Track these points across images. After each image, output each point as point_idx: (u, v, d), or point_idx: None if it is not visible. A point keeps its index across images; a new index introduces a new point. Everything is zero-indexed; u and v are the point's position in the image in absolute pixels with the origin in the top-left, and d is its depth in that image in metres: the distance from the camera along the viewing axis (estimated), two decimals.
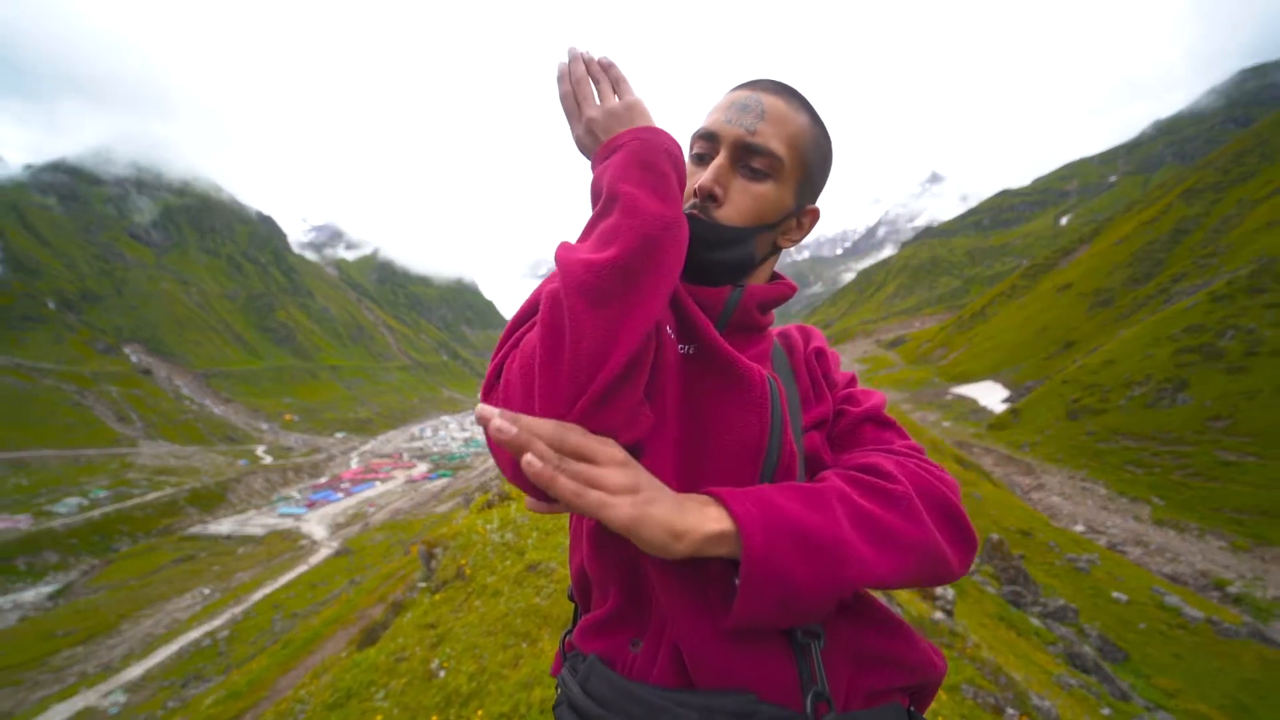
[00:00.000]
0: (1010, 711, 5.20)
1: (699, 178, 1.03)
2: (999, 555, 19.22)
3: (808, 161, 1.07)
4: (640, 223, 0.80)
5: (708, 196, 1.01)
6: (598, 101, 0.97)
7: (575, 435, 0.78)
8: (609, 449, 0.80)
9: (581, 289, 0.76)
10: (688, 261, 0.91)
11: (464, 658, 5.02)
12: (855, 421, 1.11)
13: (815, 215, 1.14)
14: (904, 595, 8.16)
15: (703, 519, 0.82)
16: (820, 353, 1.19)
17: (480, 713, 4.14)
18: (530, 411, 0.80)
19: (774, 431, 0.96)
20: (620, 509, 0.77)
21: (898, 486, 0.91)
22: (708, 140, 1.06)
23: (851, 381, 1.20)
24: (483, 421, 0.77)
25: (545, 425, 0.77)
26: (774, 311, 1.15)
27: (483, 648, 5.12)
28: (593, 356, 0.77)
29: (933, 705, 4.68)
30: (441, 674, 4.88)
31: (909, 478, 0.94)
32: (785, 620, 0.85)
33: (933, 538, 0.88)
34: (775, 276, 1.16)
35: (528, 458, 0.74)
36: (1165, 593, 21.04)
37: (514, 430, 0.75)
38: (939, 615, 6.95)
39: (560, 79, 0.99)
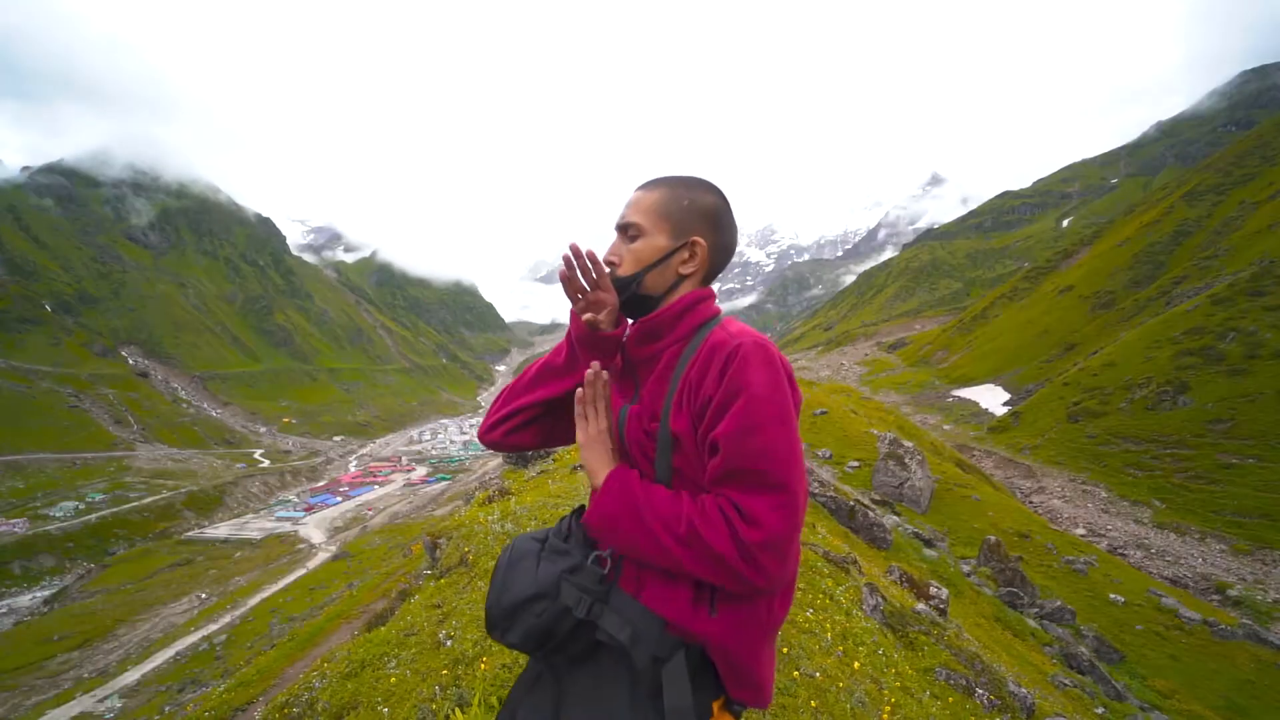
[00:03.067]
0: (980, 693, 5.36)
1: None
2: (996, 557, 19.07)
3: (667, 215, 1.51)
4: None
5: (609, 264, 1.53)
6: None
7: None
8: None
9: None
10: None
11: (469, 628, 5.33)
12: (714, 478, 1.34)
13: (699, 244, 1.51)
14: (880, 583, 8.13)
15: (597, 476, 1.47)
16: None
17: (484, 666, 4.53)
18: None
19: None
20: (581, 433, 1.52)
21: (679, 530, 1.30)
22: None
23: (726, 401, 1.34)
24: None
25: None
26: (689, 325, 1.52)
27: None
28: None
29: (899, 684, 4.80)
30: (449, 643, 5.21)
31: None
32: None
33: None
34: (700, 298, 1.55)
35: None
36: (1162, 594, 20.93)
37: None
38: (921, 607, 6.89)
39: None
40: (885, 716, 3.94)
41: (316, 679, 5.99)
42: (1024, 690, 5.86)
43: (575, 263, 1.41)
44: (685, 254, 1.51)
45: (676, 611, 1.35)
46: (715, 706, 1.42)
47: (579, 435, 1.49)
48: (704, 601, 1.35)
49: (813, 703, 3.68)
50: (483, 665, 4.56)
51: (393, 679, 4.95)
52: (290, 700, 5.75)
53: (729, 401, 1.29)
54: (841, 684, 4.05)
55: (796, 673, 3.95)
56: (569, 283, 1.44)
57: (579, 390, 1.48)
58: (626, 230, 1.53)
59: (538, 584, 1.42)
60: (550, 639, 1.41)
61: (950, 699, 5.09)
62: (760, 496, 1.22)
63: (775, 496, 1.23)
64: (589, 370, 1.49)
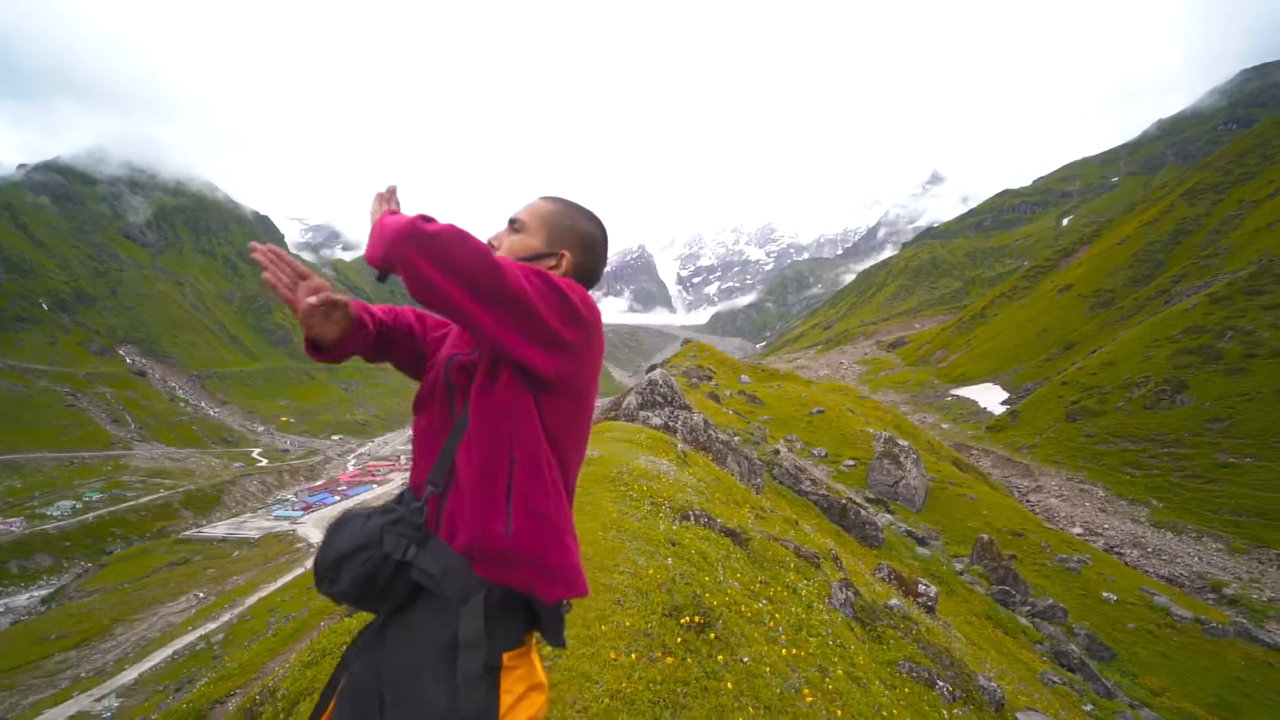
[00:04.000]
0: (941, 685, 5.39)
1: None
2: (989, 555, 19.02)
3: (549, 225, 1.72)
4: None
5: (489, 246, 1.60)
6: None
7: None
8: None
9: None
10: None
11: None
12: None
13: (567, 258, 1.70)
14: (862, 579, 8.08)
15: None
16: None
17: None
18: None
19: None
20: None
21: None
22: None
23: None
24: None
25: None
26: None
27: None
28: None
29: (845, 672, 4.77)
30: None
31: None
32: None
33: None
34: None
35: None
36: (1155, 593, 20.89)
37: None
38: (895, 602, 6.82)
39: None
40: (806, 698, 3.90)
41: (281, 672, 6.07)
42: (994, 685, 5.84)
43: (268, 261, 1.58)
44: (552, 261, 1.69)
45: (483, 541, 1.48)
46: (506, 658, 1.49)
47: (373, 209, 1.67)
48: (499, 523, 1.48)
49: (729, 684, 3.68)
50: None
51: None
52: (263, 690, 5.84)
53: None
54: (769, 669, 4.02)
55: (722, 657, 3.94)
56: (277, 287, 1.58)
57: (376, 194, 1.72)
58: (513, 224, 1.74)
59: (363, 536, 1.53)
60: (373, 585, 1.50)
61: (907, 689, 5.08)
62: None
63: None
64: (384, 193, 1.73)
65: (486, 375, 1.52)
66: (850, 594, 5.99)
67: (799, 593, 5.64)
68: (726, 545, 6.28)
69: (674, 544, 5.81)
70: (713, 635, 4.04)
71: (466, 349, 1.71)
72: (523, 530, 1.49)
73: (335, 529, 1.61)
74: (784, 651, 4.34)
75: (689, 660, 3.82)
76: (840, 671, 4.53)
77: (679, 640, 3.98)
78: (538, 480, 1.53)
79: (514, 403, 1.51)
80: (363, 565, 1.50)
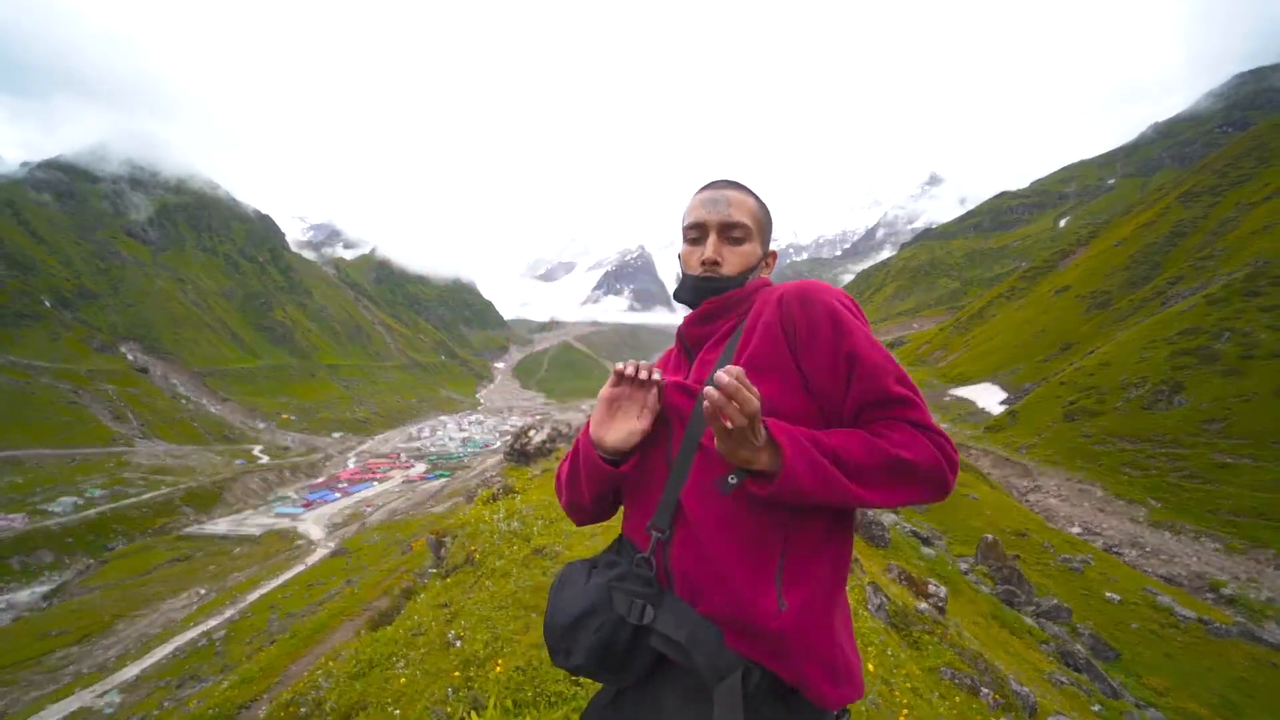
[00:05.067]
0: (985, 692, 5.35)
1: (700, 253, 1.57)
2: (993, 555, 19.24)
3: (762, 225, 1.59)
4: None
5: (713, 264, 1.54)
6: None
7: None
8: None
9: None
10: (694, 305, 1.57)
11: (478, 628, 5.29)
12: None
13: (775, 256, 1.67)
14: (879, 581, 8.22)
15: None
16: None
17: (498, 668, 4.48)
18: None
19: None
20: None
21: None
22: (697, 228, 1.57)
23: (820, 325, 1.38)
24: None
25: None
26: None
27: (495, 620, 5.37)
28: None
29: (909, 684, 4.82)
30: (458, 643, 5.19)
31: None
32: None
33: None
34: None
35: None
36: (1158, 593, 21.06)
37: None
38: (924, 606, 6.99)
39: None
40: (902, 715, 3.96)
41: (323, 678, 6.03)
42: (1026, 689, 5.93)
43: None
44: (766, 262, 1.63)
45: (744, 612, 1.23)
46: None
47: (721, 440, 1.18)
48: (768, 596, 1.22)
49: None
50: (497, 667, 4.48)
51: (402, 679, 4.92)
52: (296, 698, 5.79)
53: (829, 327, 1.34)
54: None
55: None
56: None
57: (708, 395, 1.12)
58: (732, 230, 1.55)
59: (588, 598, 1.34)
60: (611, 655, 1.30)
61: (957, 698, 5.08)
62: (919, 412, 1.30)
63: (923, 409, 1.31)
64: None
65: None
66: (883, 599, 6.13)
67: None
68: None
69: None
70: None
71: (682, 374, 1.54)
72: (801, 609, 1.22)
73: (556, 589, 1.44)
74: (869, 666, 4.41)
75: None
76: (906, 684, 4.59)
77: None
78: (813, 544, 1.29)
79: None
80: (596, 633, 1.30)
